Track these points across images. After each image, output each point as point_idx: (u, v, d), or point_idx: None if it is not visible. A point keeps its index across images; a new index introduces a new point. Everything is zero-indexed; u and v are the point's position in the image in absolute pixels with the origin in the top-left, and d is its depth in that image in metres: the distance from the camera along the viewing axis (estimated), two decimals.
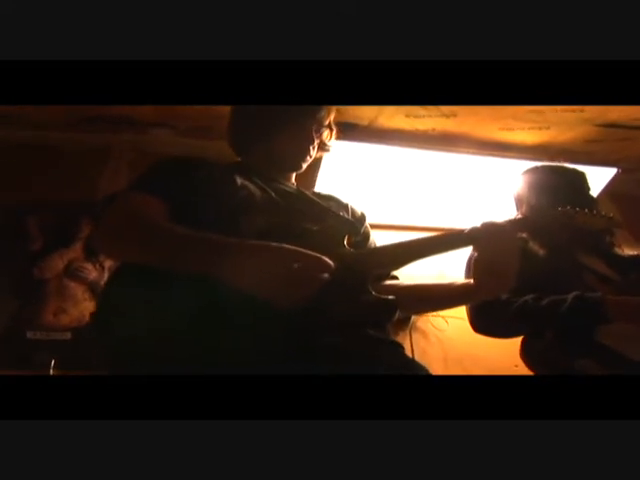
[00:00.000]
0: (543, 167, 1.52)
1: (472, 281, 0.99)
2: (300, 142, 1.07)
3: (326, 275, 0.76)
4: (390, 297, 0.86)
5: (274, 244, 0.76)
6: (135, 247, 0.84)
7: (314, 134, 1.07)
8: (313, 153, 1.10)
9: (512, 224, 0.98)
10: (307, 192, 1.11)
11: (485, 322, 1.33)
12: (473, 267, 0.99)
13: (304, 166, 1.11)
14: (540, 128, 1.88)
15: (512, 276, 0.96)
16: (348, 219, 1.05)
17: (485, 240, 0.95)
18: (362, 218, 1.16)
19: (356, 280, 0.87)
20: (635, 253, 1.51)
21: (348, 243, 0.92)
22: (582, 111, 1.75)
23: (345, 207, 1.14)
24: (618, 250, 1.50)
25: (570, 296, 1.22)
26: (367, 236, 1.14)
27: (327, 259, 0.77)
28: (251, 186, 0.98)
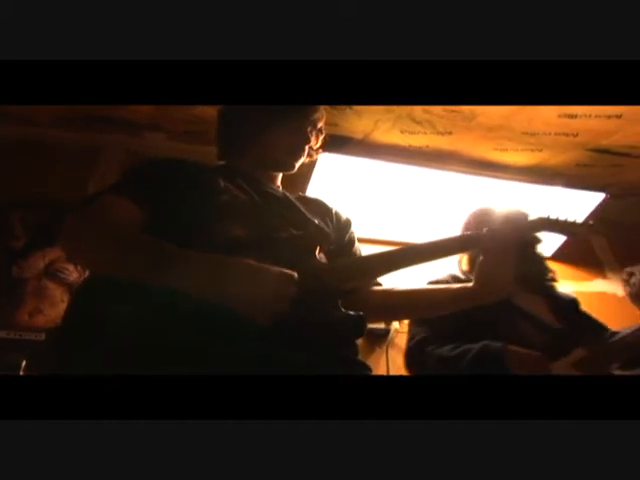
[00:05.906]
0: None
1: (470, 285, 1.00)
2: (295, 140, 1.06)
3: (293, 289, 0.73)
4: (358, 313, 0.85)
5: (236, 259, 0.74)
6: (97, 253, 0.81)
7: (309, 134, 1.07)
8: (305, 154, 1.09)
9: (514, 231, 1.00)
10: (291, 197, 1.08)
11: (412, 362, 1.42)
12: (477, 270, 1.00)
13: (296, 166, 1.09)
14: (533, 150, 1.90)
15: (510, 282, 0.97)
16: (324, 229, 1.02)
17: (492, 245, 0.98)
18: (347, 223, 1.14)
19: (325, 294, 0.84)
20: (570, 293, 1.58)
21: (321, 253, 0.91)
22: (575, 135, 1.77)
23: (330, 211, 1.13)
24: (558, 288, 1.56)
25: (477, 346, 1.27)
26: (352, 242, 1.12)
27: (289, 272, 0.74)
28: (234, 190, 0.95)
